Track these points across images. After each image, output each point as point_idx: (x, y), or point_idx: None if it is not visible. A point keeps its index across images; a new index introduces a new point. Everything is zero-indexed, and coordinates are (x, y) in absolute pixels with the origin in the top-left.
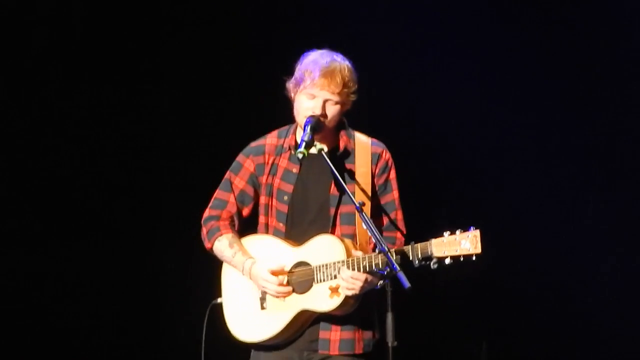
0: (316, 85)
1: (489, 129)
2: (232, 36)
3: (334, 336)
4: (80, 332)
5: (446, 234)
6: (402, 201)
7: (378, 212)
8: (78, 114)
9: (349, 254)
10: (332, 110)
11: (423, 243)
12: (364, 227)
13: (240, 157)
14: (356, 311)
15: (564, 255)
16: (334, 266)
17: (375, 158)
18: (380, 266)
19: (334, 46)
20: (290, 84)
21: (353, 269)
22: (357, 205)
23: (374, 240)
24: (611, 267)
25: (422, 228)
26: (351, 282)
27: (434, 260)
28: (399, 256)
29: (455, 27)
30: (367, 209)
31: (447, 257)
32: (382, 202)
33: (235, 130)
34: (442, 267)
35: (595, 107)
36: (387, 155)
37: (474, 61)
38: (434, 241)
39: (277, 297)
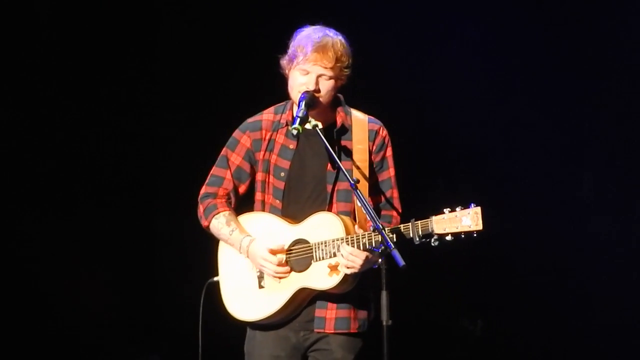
0: (309, 60)
1: (486, 104)
2: (229, 11)
3: (329, 314)
4: (75, 311)
5: (446, 210)
6: (398, 179)
7: (375, 189)
8: (79, 84)
9: (348, 232)
10: (326, 86)
11: (423, 220)
12: (359, 204)
13: (236, 133)
14: (353, 290)
15: (560, 231)
16: (333, 244)
17: (373, 135)
18: (374, 244)
19: (331, 20)
20: (284, 61)
21: (352, 247)
22: (352, 182)
23: (368, 218)
24: (608, 241)
25: (420, 204)
26: (351, 260)
27: (435, 237)
28: (394, 234)
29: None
30: (365, 186)
31: (448, 234)
32: (379, 179)
33: (233, 104)
34: (442, 243)
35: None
36: (384, 132)
37: (477, 35)
38: (434, 218)
39: (275, 277)
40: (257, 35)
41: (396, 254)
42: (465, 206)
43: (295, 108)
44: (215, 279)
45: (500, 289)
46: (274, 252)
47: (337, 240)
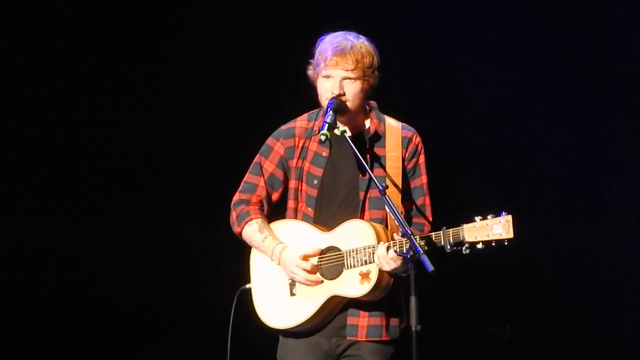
0: (329, 65)
1: (509, 110)
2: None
3: (362, 322)
4: (106, 315)
5: (477, 218)
6: (430, 187)
7: (407, 197)
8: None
9: (379, 239)
10: (351, 89)
11: (455, 228)
12: (387, 210)
13: (270, 140)
14: (384, 297)
15: (589, 235)
16: (365, 251)
17: (406, 142)
18: (404, 250)
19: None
20: (310, 70)
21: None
22: (381, 188)
23: (397, 224)
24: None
25: (449, 212)
26: (386, 260)
27: (466, 245)
28: (424, 241)
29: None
30: (396, 193)
31: (479, 242)
32: (411, 187)
33: (265, 110)
34: (473, 251)
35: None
36: (417, 139)
37: (504, 44)
38: (465, 226)
39: (306, 284)
40: (287, 41)
41: (425, 259)
42: (496, 214)
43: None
44: (248, 286)
45: (529, 294)
46: (305, 258)
47: (369, 247)
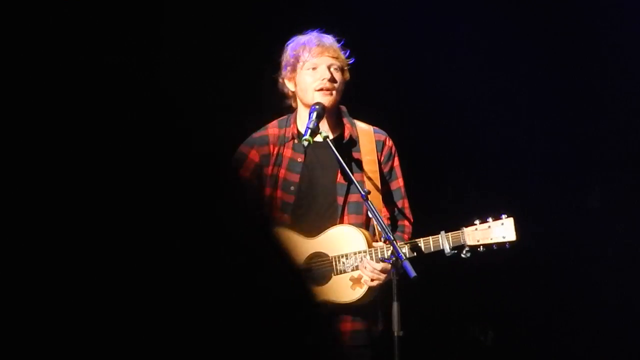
0: (315, 53)
1: (492, 110)
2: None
3: (344, 327)
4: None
5: (477, 222)
6: (407, 188)
7: (387, 200)
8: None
9: (369, 245)
10: (338, 76)
11: (455, 232)
12: (370, 215)
13: (243, 148)
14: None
15: (574, 238)
16: (356, 257)
17: (380, 146)
18: (386, 255)
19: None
20: (285, 73)
21: (377, 258)
22: (363, 193)
23: (379, 229)
24: (624, 247)
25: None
26: (377, 273)
27: (467, 248)
28: (406, 245)
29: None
30: (377, 197)
31: (480, 245)
32: (389, 190)
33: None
34: (473, 255)
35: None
36: (390, 142)
37: (485, 45)
38: (466, 230)
39: None
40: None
41: (407, 265)
42: (497, 216)
43: (299, 121)
44: None
45: (512, 299)
46: None
47: (360, 253)
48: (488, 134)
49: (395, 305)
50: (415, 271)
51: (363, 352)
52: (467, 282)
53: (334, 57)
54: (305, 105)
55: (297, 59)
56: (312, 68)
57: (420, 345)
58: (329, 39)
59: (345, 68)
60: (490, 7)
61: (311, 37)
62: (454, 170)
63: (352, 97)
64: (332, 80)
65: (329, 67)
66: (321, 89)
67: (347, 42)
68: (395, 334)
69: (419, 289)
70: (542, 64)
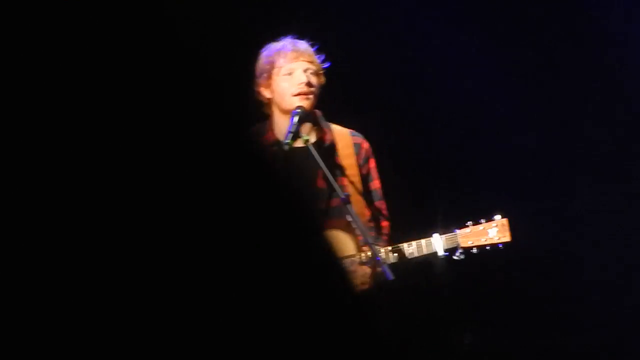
0: (290, 58)
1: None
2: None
3: None
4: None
5: (469, 224)
6: (383, 189)
7: (366, 202)
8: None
9: (359, 249)
10: (315, 80)
11: (448, 235)
12: (349, 219)
13: None
14: None
15: (553, 245)
16: (345, 262)
17: (357, 148)
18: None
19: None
20: (260, 81)
21: (366, 265)
22: (343, 197)
23: (359, 233)
24: (605, 248)
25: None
26: (367, 278)
27: (460, 250)
28: (411, 248)
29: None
30: (359, 200)
31: (473, 247)
32: (368, 191)
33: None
34: (467, 256)
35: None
36: (366, 144)
37: (477, 44)
38: (459, 232)
39: None
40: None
41: (385, 268)
42: (489, 218)
43: (276, 128)
44: None
45: (489, 302)
46: None
47: (351, 257)
48: (479, 136)
49: None
50: (395, 275)
51: None
52: (445, 284)
53: (309, 62)
54: (282, 111)
55: (272, 65)
56: (288, 73)
57: (396, 346)
58: (303, 44)
59: (320, 72)
60: (475, 6)
61: (285, 43)
62: (445, 172)
63: (337, 99)
64: (309, 84)
65: (305, 71)
66: (299, 94)
67: (324, 41)
68: None
69: (398, 292)
70: (534, 64)
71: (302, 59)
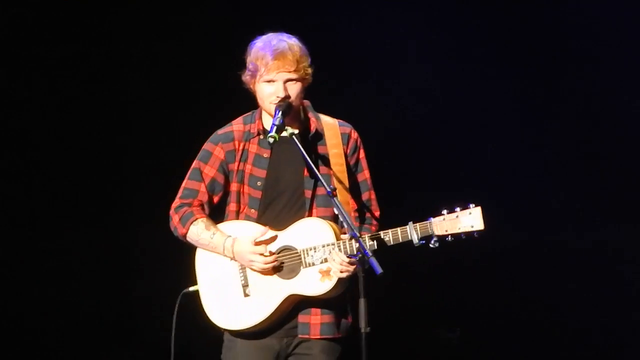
0: (271, 69)
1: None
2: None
3: (314, 320)
4: (49, 321)
5: (445, 211)
6: (373, 180)
7: (353, 193)
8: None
9: (337, 237)
10: (295, 90)
11: (422, 223)
12: (336, 212)
13: (208, 145)
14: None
15: (539, 239)
16: (324, 249)
17: (346, 138)
18: (353, 251)
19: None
20: (246, 77)
21: (345, 252)
22: (329, 190)
23: (345, 225)
24: (588, 250)
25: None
26: (345, 265)
27: (435, 239)
28: (374, 242)
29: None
30: (345, 191)
31: (448, 235)
32: (355, 182)
33: (202, 114)
34: (442, 244)
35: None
36: (355, 134)
37: (446, 45)
38: (434, 220)
39: (265, 271)
40: (217, 44)
41: (374, 261)
42: (464, 206)
43: (265, 116)
44: (191, 289)
45: (479, 297)
46: (259, 244)
47: (329, 245)
48: (456, 129)
49: (362, 302)
50: (382, 267)
51: (332, 345)
52: (434, 278)
53: (291, 71)
54: (264, 109)
55: (255, 69)
56: (269, 81)
57: (387, 342)
58: (288, 50)
59: (306, 76)
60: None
61: (268, 47)
62: (422, 164)
63: (324, 90)
64: (287, 97)
65: (285, 82)
66: (277, 104)
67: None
68: (363, 331)
69: (386, 285)
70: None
71: (283, 70)
